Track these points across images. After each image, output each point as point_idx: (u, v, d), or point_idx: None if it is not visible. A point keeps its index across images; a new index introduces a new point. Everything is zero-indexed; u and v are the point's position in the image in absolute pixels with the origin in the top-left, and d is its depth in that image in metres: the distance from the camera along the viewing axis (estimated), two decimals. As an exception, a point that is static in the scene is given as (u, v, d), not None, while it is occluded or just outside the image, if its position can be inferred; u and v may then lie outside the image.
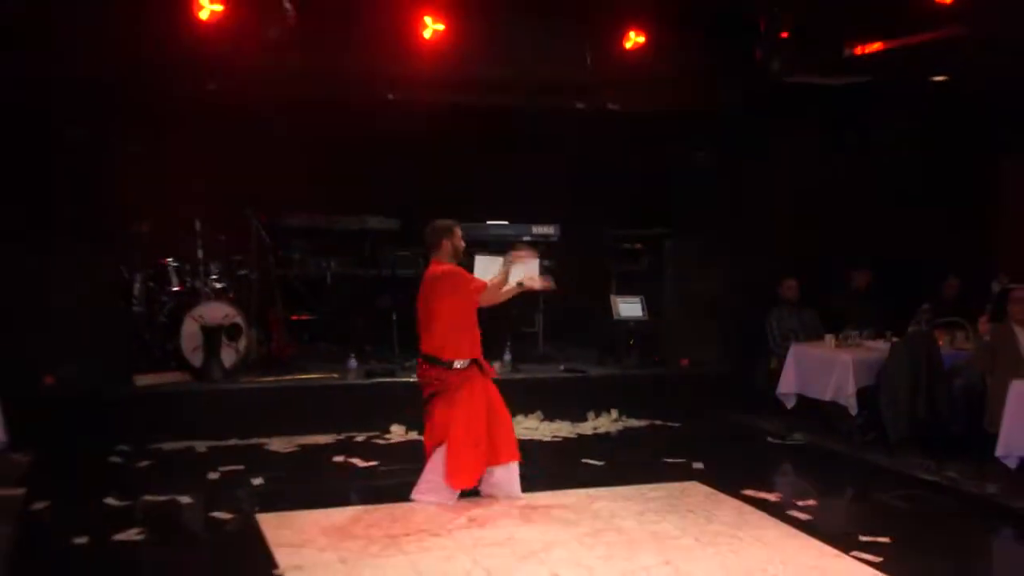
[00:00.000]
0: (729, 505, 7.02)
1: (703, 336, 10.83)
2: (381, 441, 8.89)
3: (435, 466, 6.92)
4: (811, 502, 7.21)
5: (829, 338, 9.42)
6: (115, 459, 8.08)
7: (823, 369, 9.09)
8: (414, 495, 6.95)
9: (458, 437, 6.84)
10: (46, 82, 8.75)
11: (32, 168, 8.89)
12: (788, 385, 9.47)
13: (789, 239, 10.78)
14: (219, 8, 8.85)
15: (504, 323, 10.16)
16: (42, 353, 8.69)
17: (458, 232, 7.05)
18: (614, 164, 11.94)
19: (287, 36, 8.99)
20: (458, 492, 6.95)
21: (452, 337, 6.85)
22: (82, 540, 6.08)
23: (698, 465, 8.09)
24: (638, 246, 11.59)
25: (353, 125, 10.72)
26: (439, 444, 6.88)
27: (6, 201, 8.70)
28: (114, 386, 8.87)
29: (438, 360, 6.86)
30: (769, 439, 9.38)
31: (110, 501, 6.88)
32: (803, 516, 6.83)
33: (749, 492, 7.29)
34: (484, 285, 6.90)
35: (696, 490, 7.39)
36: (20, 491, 7.06)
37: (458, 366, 6.87)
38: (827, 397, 9.01)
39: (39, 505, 6.80)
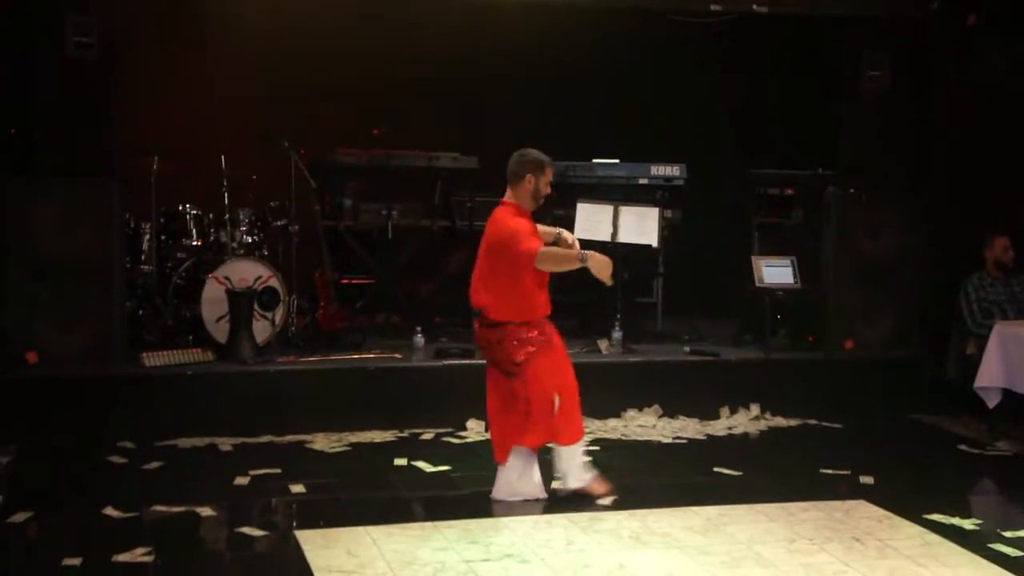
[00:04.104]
0: (908, 532, 6.92)
1: (874, 311, 10.64)
2: (454, 440, 8.92)
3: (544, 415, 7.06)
4: (1021, 533, 7.04)
5: (1051, 315, 9.30)
6: (116, 459, 8.16)
7: (1041, 357, 8.96)
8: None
9: (570, 384, 7.14)
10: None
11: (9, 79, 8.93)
12: (990, 376, 9.25)
13: (997, 186, 10.45)
14: None
15: (613, 291, 10.02)
16: (22, 323, 8.77)
17: (549, 173, 7.12)
18: (759, 85, 11.73)
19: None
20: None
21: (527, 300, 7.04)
22: (74, 561, 6.11)
23: (867, 479, 8.06)
24: (789, 192, 11.39)
25: (421, 34, 10.62)
26: (548, 403, 7.01)
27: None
28: (115, 366, 8.96)
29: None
30: (963, 447, 9.28)
31: (110, 512, 6.93)
32: (1011, 551, 6.67)
33: (935, 517, 7.19)
34: (538, 247, 6.87)
35: (864, 511, 7.31)
36: (-4, 498, 7.16)
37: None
38: (1046, 394, 8.88)
39: (20, 517, 6.85)
